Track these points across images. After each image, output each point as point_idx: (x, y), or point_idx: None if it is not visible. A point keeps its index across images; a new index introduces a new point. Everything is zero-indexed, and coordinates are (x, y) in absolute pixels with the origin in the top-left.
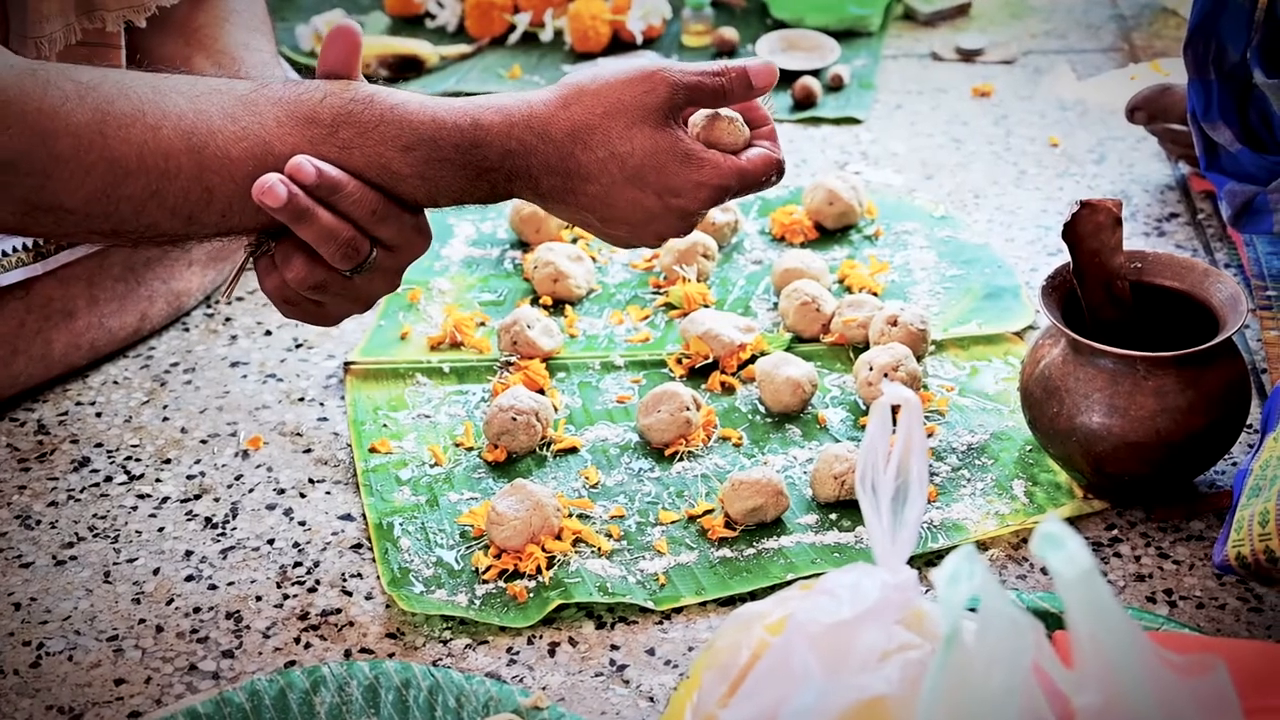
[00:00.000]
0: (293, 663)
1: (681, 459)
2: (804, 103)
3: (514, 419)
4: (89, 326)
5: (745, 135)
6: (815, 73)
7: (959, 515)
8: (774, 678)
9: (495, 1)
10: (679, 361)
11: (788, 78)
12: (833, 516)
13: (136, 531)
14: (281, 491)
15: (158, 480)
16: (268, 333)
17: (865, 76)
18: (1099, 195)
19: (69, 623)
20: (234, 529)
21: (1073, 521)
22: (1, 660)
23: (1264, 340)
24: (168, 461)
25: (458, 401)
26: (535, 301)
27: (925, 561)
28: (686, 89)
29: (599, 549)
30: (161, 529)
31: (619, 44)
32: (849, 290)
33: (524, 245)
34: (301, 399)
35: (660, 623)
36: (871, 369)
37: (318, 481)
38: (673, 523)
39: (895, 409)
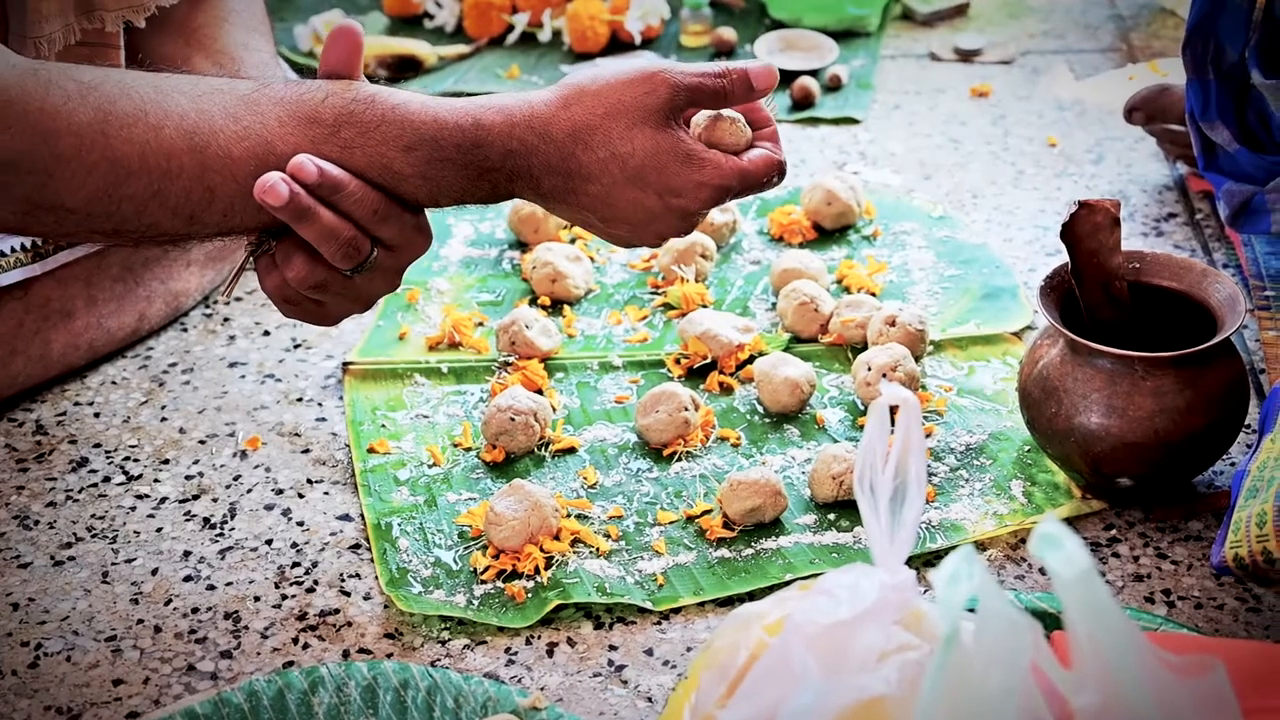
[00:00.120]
0: (291, 663)
1: (680, 459)
2: (802, 103)
3: (512, 419)
4: (87, 327)
5: (747, 136)
6: (813, 73)
7: (957, 515)
8: (772, 678)
9: (493, 2)
10: (677, 362)
11: (786, 78)
12: (831, 517)
13: (135, 532)
14: (280, 492)
15: (156, 480)
16: (266, 333)
17: (863, 77)
18: (1097, 195)
19: (67, 623)
20: (232, 529)
21: (1071, 522)
22: (0, 661)
23: (1262, 340)
24: (166, 462)
25: (456, 402)
26: (533, 302)
27: (923, 562)
28: (687, 90)
29: (597, 549)
30: (160, 529)
31: (617, 44)
32: (847, 290)
33: (522, 245)
34: (300, 399)
35: (658, 623)
36: (870, 369)
37: (316, 482)
38: (671, 523)
39: (893, 409)
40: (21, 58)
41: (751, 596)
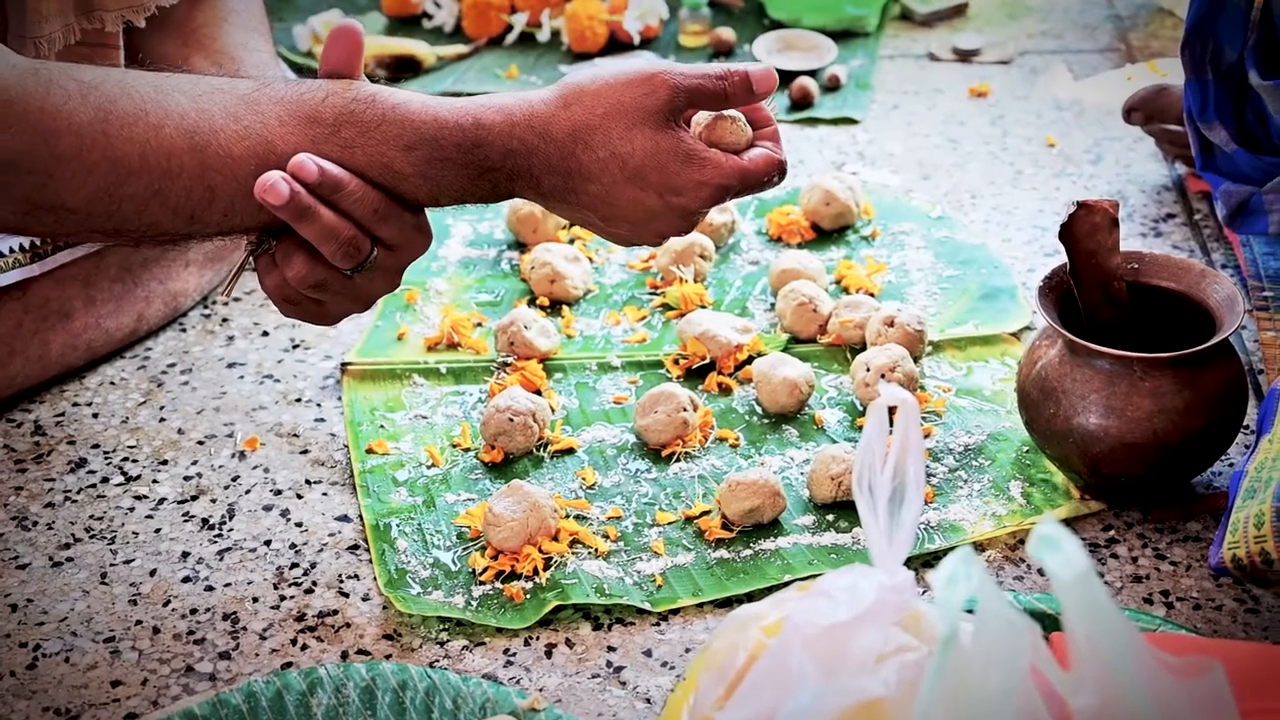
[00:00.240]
0: (289, 664)
1: (678, 460)
2: (801, 103)
3: (511, 420)
4: (86, 327)
5: (748, 135)
6: (812, 73)
7: (956, 516)
8: (771, 679)
9: (492, 2)
10: (676, 362)
11: (784, 78)
12: (830, 517)
13: (133, 533)
14: (278, 492)
15: (154, 481)
16: (265, 333)
17: (862, 77)
18: (1096, 196)
19: (65, 624)
20: (231, 530)
21: (1070, 522)
22: None
23: (1261, 341)
24: (164, 462)
25: (455, 402)
26: (532, 302)
27: (922, 563)
28: (687, 92)
29: (596, 550)
30: (158, 530)
31: (616, 44)
32: (846, 291)
33: (521, 246)
34: (298, 400)
35: (657, 624)
36: (868, 370)
37: (314, 482)
38: (670, 524)
39: (892, 410)
40: (22, 57)
41: (750, 597)
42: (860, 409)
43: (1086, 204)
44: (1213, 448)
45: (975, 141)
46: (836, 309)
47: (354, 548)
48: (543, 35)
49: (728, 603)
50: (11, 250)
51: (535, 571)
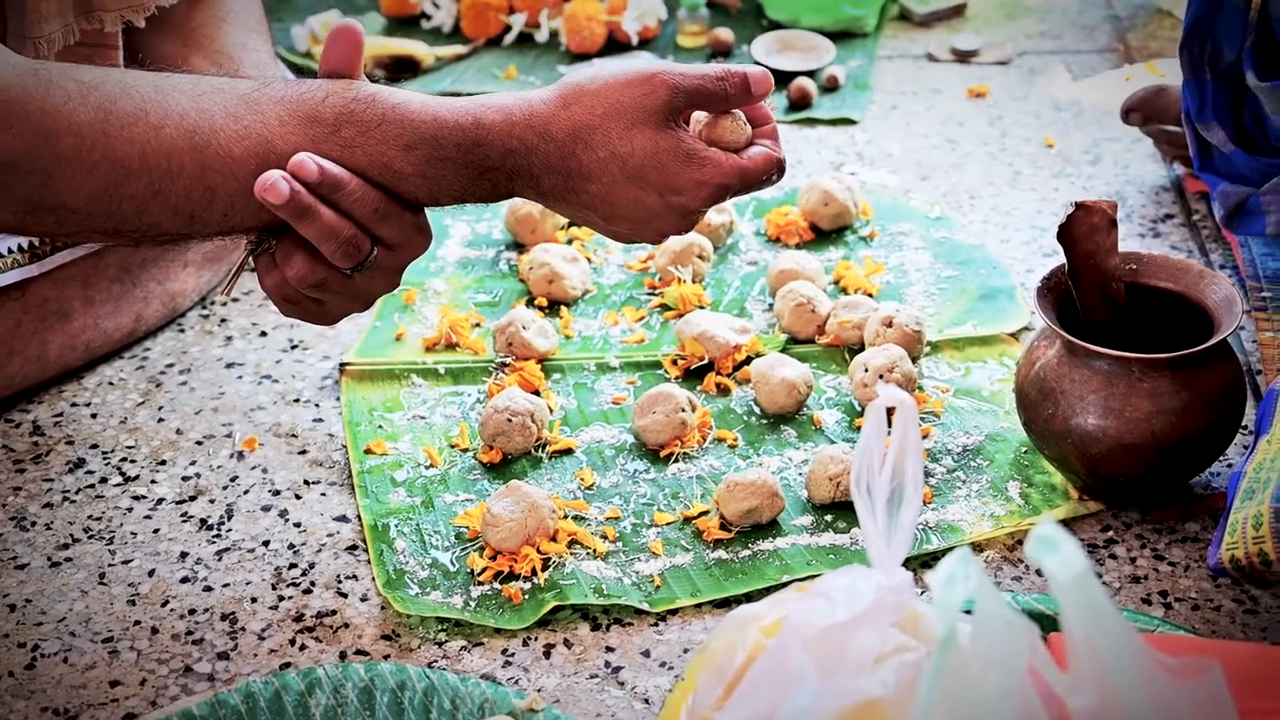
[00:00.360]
0: (288, 665)
1: (677, 460)
2: (799, 103)
3: (509, 420)
4: (84, 328)
5: (747, 133)
6: (810, 73)
7: (954, 517)
8: (769, 680)
9: (491, 2)
10: (674, 363)
11: (783, 79)
12: (828, 518)
13: (131, 533)
14: (277, 493)
15: (153, 482)
16: (263, 334)
17: (860, 77)
18: (1094, 196)
19: (64, 624)
20: (229, 530)
21: (1068, 523)
22: None
23: (1259, 342)
24: (163, 463)
25: (453, 403)
26: (530, 302)
27: (920, 563)
28: (687, 92)
29: (594, 551)
30: (156, 530)
31: (614, 44)
32: (844, 291)
33: (519, 246)
34: (297, 400)
35: (655, 624)
36: (867, 370)
37: (313, 483)
38: (668, 524)
39: (890, 410)
40: (21, 58)
41: (748, 598)
42: (858, 409)
43: (1085, 205)
44: (1211, 448)
45: (974, 142)
46: (835, 309)
47: (352, 548)
48: (541, 36)
49: (726, 603)
50: (10, 251)
51: (533, 572)
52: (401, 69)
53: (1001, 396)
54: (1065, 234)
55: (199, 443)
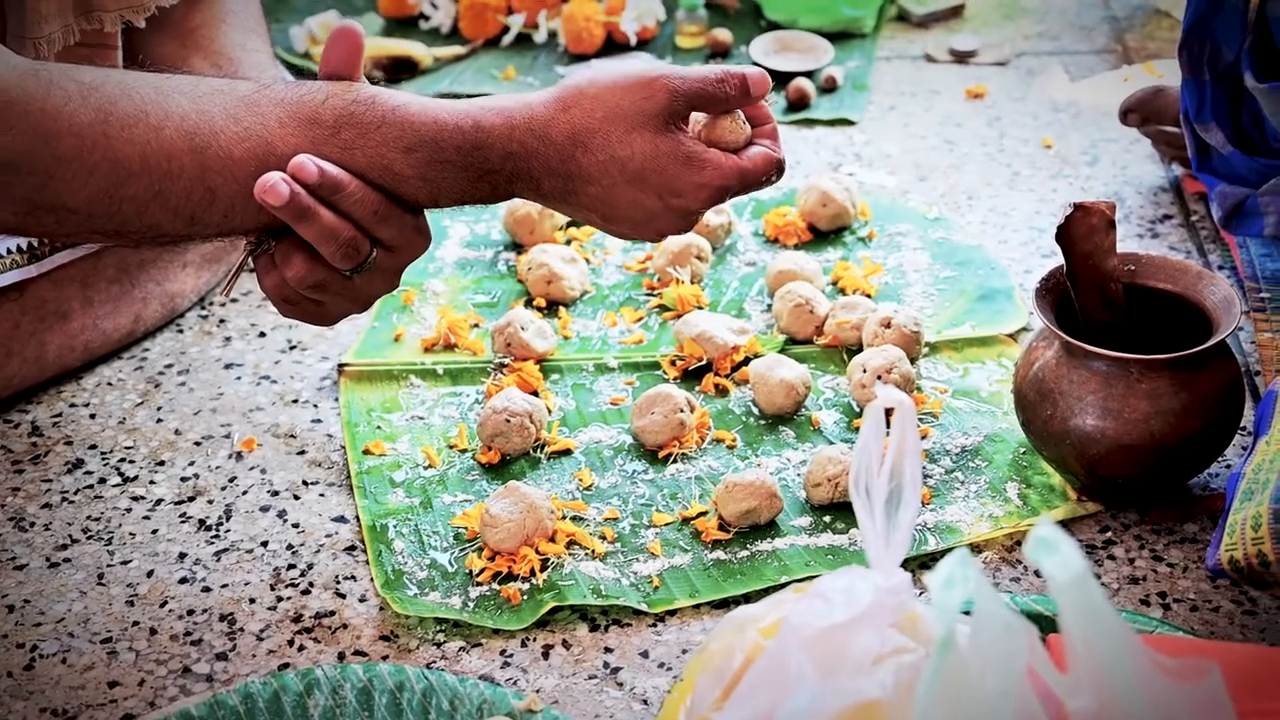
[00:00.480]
0: (286, 665)
1: (675, 461)
2: (798, 104)
3: (507, 421)
4: (83, 328)
5: (747, 133)
6: (809, 74)
7: (952, 518)
8: (768, 681)
9: (489, 3)
10: (673, 363)
11: (781, 79)
12: (826, 519)
13: (130, 533)
14: (275, 493)
15: (151, 482)
16: (262, 334)
17: (859, 78)
18: (1092, 197)
19: (62, 625)
20: (228, 531)
21: (1066, 524)
22: None
23: (1257, 343)
24: (161, 463)
25: (451, 403)
26: (529, 303)
27: (919, 564)
28: (686, 96)
29: (593, 551)
30: (155, 531)
31: (613, 45)
32: (842, 292)
33: (518, 247)
34: (295, 401)
35: (654, 625)
36: (865, 371)
37: (311, 483)
38: (666, 525)
39: (889, 411)
40: (22, 58)
41: (747, 599)
42: (857, 410)
43: (1083, 205)
44: (1210, 449)
45: (972, 143)
46: (833, 310)
47: (351, 549)
48: (540, 36)
49: (724, 604)
50: (9, 251)
51: (532, 572)
52: (400, 70)
53: (1000, 397)
54: (1064, 235)
55: (197, 443)
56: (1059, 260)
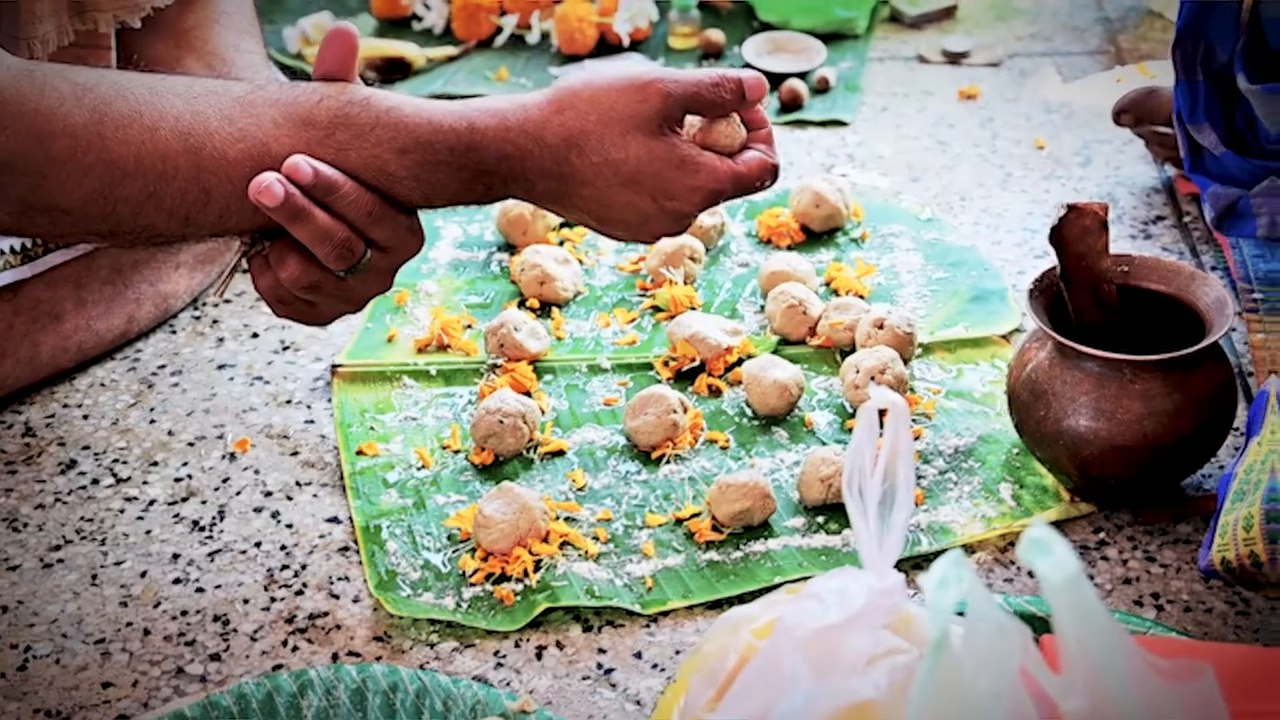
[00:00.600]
0: (280, 666)
1: (668, 462)
2: (790, 105)
3: (501, 421)
4: (76, 329)
5: (742, 136)
6: (802, 75)
7: (946, 518)
8: (761, 682)
9: (482, 4)
10: (666, 364)
11: (774, 80)
12: (820, 520)
13: (124, 534)
14: (269, 494)
15: (145, 483)
16: (255, 335)
17: (851, 79)
18: (1085, 198)
19: (56, 626)
20: (221, 532)
21: (1060, 525)
22: None
23: (1250, 344)
24: (155, 464)
25: (444, 404)
26: (522, 304)
27: (912, 565)
28: (681, 100)
29: (586, 552)
30: (149, 532)
31: (606, 46)
32: (835, 293)
33: (511, 248)
34: (288, 401)
35: (647, 626)
36: (858, 372)
37: (305, 484)
38: (660, 525)
39: (882, 412)
40: (16, 59)
41: (740, 600)
42: (850, 411)
43: (1076, 206)
44: (1202, 450)
45: (965, 144)
46: (826, 311)
47: (344, 549)
48: (532, 37)
49: (718, 605)
50: (2, 252)
51: (525, 573)
52: (393, 70)
53: (993, 398)
54: (1057, 236)
55: (191, 444)
56: (1052, 261)
